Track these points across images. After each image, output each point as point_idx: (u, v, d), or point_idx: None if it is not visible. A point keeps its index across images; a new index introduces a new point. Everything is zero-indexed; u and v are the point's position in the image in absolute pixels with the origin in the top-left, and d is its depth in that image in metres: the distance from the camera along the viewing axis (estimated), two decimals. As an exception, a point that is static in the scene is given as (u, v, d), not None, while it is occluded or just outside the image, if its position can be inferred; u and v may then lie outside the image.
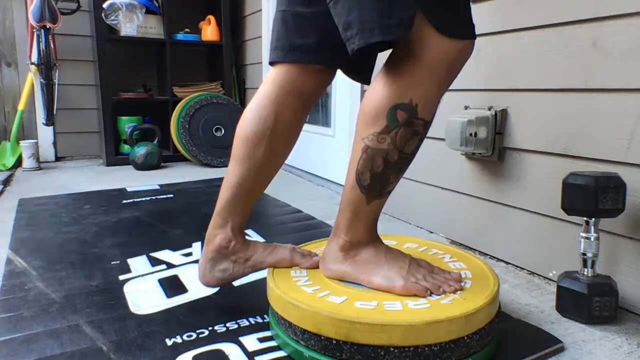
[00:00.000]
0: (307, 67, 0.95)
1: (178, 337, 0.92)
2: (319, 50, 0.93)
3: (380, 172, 0.85)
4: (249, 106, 0.97)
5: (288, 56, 0.95)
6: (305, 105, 1.00)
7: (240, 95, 3.38)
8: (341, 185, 1.46)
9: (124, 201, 2.03)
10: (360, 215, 0.89)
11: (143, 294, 1.13)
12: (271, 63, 0.98)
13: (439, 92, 0.84)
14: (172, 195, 2.14)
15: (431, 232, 1.65)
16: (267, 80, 0.98)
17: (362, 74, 0.99)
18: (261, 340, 0.91)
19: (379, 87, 0.83)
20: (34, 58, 2.77)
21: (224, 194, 0.98)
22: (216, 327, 0.95)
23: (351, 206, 0.88)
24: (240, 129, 0.96)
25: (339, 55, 0.90)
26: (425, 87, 0.81)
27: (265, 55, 2.90)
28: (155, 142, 2.92)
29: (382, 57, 0.86)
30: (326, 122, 2.44)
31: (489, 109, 1.35)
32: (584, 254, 1.02)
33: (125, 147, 3.02)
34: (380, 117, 0.81)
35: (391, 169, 0.85)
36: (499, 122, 1.33)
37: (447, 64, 0.81)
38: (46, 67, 2.68)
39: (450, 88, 0.86)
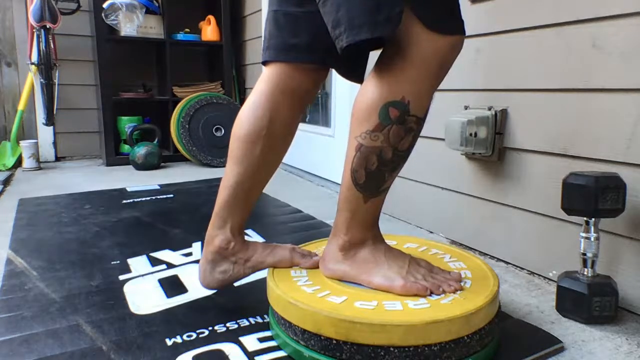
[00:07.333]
0: (300, 66, 0.95)
1: (178, 337, 0.92)
2: (311, 49, 0.93)
3: (375, 170, 0.84)
4: (244, 106, 0.97)
5: (281, 55, 0.95)
6: (300, 104, 1.00)
7: (240, 95, 3.38)
8: (341, 185, 1.46)
9: (124, 201, 2.03)
10: (358, 214, 0.89)
11: (143, 294, 1.13)
12: (264, 62, 0.99)
13: (431, 89, 0.84)
14: (172, 195, 2.14)
15: (431, 232, 1.65)
16: (261, 80, 0.98)
17: (355, 73, 0.99)
18: (261, 340, 0.91)
19: (370, 85, 0.83)
20: (34, 58, 2.77)
21: (223, 194, 0.98)
22: (216, 327, 0.95)
23: (348, 205, 0.89)
24: (236, 129, 0.97)
25: (332, 54, 0.90)
26: (416, 84, 0.81)
27: (265, 55, 2.90)
28: (155, 142, 2.92)
29: (375, 55, 0.86)
30: (326, 122, 2.44)
31: (489, 109, 1.35)
32: (584, 254, 1.02)
33: (125, 147, 3.02)
34: (373, 115, 0.82)
35: (386, 166, 0.85)
36: (499, 122, 1.33)
37: (438, 61, 0.81)
38: (46, 67, 2.68)
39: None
